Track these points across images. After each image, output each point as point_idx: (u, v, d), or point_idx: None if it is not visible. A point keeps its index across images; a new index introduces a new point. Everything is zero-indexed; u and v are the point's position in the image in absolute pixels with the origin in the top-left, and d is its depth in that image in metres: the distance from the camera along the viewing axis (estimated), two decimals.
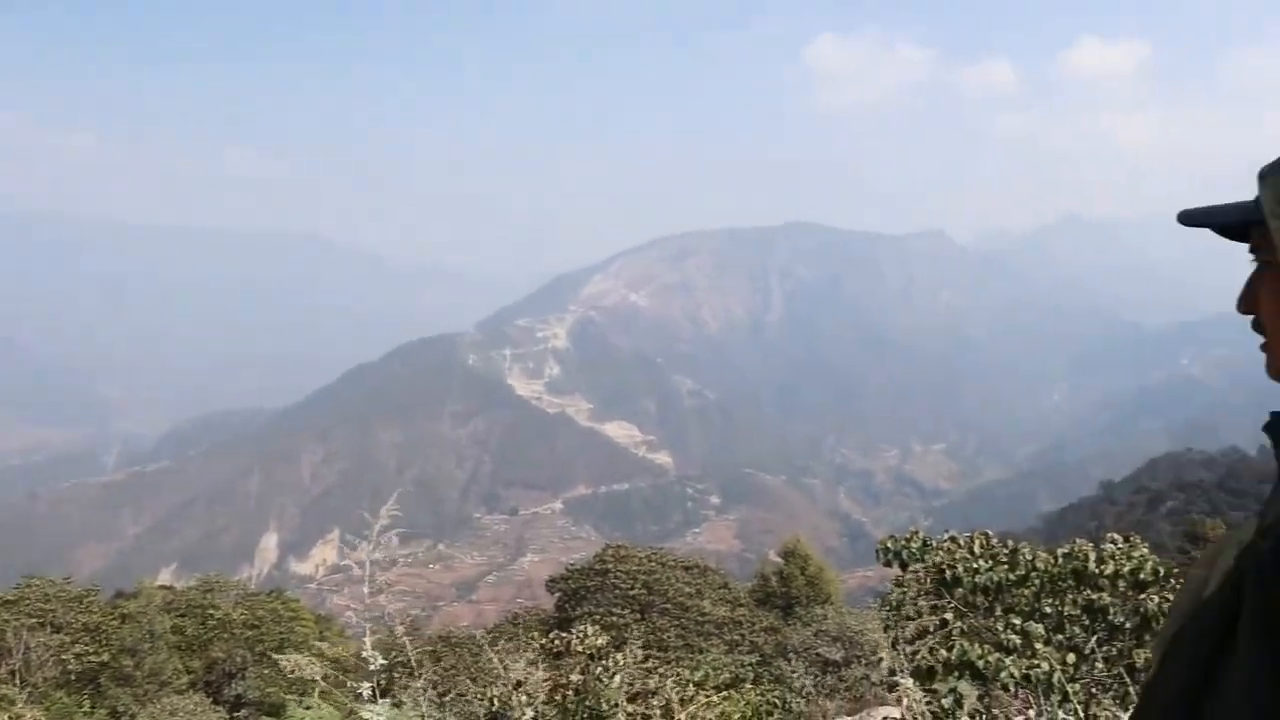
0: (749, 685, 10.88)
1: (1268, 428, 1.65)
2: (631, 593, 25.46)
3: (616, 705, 5.21)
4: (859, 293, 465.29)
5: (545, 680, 5.96)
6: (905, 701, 6.22)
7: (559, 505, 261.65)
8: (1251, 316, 1.66)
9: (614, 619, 24.26)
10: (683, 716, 5.89)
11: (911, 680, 5.75)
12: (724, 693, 6.89)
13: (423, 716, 9.13)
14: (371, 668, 3.55)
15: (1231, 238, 1.67)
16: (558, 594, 26.42)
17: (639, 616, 25.06)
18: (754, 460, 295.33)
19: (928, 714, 6.10)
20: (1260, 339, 1.65)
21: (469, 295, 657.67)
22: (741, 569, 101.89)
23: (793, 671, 21.98)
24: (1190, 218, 1.65)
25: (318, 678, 4.60)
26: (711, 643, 23.86)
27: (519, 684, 5.97)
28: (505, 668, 5.99)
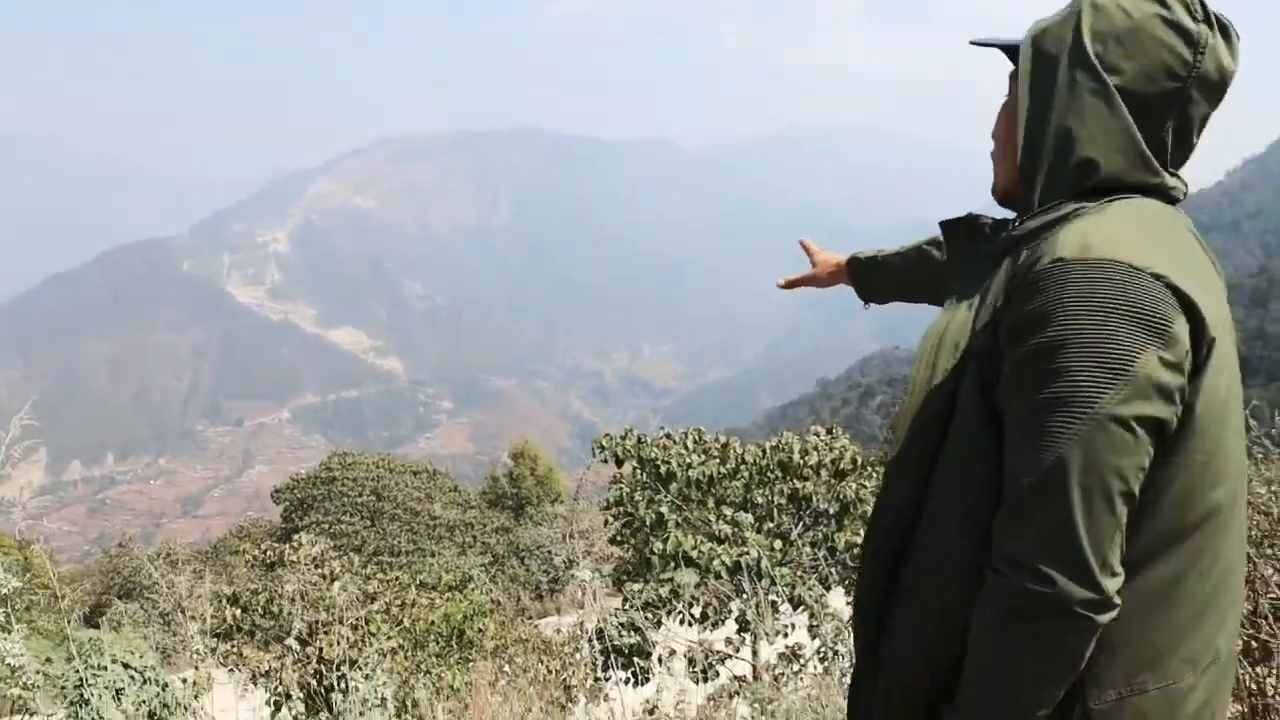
0: (475, 586, 11.01)
1: (944, 224, 1.77)
2: (360, 500, 25.24)
3: (333, 611, 5.17)
4: (587, 197, 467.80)
5: (261, 592, 5.84)
6: (591, 594, 6.43)
7: (286, 415, 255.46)
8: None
9: (343, 527, 24.02)
10: (405, 619, 5.90)
11: (589, 574, 5.94)
12: (448, 594, 6.93)
13: (143, 638, 8.82)
14: (3, 591, 3.35)
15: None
16: (284, 505, 25.84)
17: (369, 523, 24.90)
18: (486, 364, 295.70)
19: (610, 610, 6.33)
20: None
21: (180, 198, 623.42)
22: (475, 472, 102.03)
23: (525, 569, 22.38)
24: (982, 41, 1.68)
25: None
26: (443, 546, 23.97)
27: (234, 598, 5.83)
28: (169, 584, 5.81)
